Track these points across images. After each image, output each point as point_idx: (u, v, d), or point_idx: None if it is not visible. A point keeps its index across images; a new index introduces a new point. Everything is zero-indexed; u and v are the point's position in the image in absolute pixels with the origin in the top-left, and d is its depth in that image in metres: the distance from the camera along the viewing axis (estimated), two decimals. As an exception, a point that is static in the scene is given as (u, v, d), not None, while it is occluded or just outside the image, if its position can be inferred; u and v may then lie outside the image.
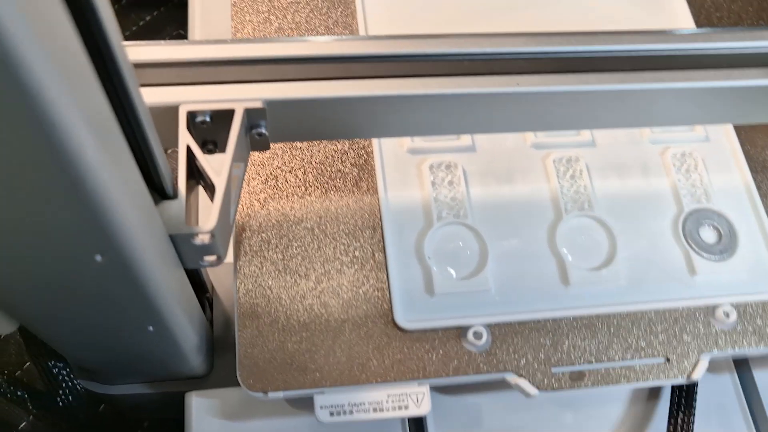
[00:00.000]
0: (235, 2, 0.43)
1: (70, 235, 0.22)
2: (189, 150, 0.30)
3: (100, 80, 0.21)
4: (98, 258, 0.22)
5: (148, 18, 0.55)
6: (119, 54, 0.22)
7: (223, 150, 0.31)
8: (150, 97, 0.31)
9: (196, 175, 0.31)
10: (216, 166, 0.30)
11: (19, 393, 0.40)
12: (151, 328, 0.30)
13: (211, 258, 0.31)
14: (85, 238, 0.22)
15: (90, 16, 0.20)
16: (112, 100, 0.22)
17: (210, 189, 0.31)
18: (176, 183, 0.29)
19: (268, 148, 0.34)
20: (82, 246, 0.22)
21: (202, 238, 0.29)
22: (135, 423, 0.44)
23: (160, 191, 0.29)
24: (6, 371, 0.42)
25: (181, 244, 0.29)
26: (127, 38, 0.55)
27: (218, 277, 0.40)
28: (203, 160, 0.30)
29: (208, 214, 0.29)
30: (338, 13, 0.44)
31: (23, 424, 0.40)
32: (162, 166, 0.28)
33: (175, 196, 0.29)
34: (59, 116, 0.17)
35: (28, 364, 0.42)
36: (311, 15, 0.44)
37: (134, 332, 0.30)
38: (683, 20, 0.47)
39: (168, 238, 0.28)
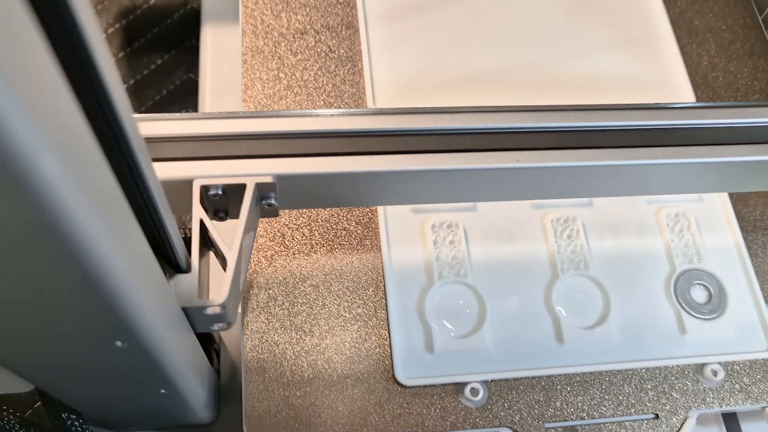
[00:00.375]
0: (245, 59, 0.45)
1: (90, 324, 0.23)
2: (202, 223, 0.32)
3: (109, 158, 0.20)
4: (119, 344, 0.24)
5: (159, 62, 0.57)
6: (130, 130, 0.22)
7: (234, 216, 0.33)
8: (164, 171, 0.32)
9: (207, 243, 0.33)
10: (227, 236, 0.32)
11: (31, 434, 0.42)
12: (163, 390, 0.31)
13: (222, 325, 0.32)
14: (104, 326, 0.23)
15: (99, 92, 0.20)
16: (121, 177, 0.22)
17: (222, 259, 0.32)
18: (189, 256, 0.31)
19: (277, 215, 0.35)
20: (103, 333, 0.24)
21: (214, 310, 0.30)
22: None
23: (173, 265, 0.30)
24: (18, 412, 0.43)
25: (194, 315, 0.30)
26: (137, 82, 0.56)
27: (226, 327, 0.42)
28: (215, 231, 0.32)
29: (219, 286, 0.31)
30: (345, 71, 0.46)
31: (36, 463, 0.42)
32: (175, 241, 0.29)
33: (188, 269, 0.30)
34: (62, 203, 0.17)
35: (39, 404, 0.43)
36: (319, 73, 0.45)
37: (148, 395, 0.32)
38: (679, 78, 0.49)
39: (181, 311, 0.29)
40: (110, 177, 0.21)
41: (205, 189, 0.32)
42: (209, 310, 0.30)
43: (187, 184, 0.32)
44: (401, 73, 0.46)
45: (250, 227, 0.33)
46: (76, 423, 0.36)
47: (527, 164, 0.34)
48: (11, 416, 0.43)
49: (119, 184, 0.22)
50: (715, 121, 0.36)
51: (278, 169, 0.33)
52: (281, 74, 0.45)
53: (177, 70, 0.57)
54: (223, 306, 0.30)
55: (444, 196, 0.36)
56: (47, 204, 0.17)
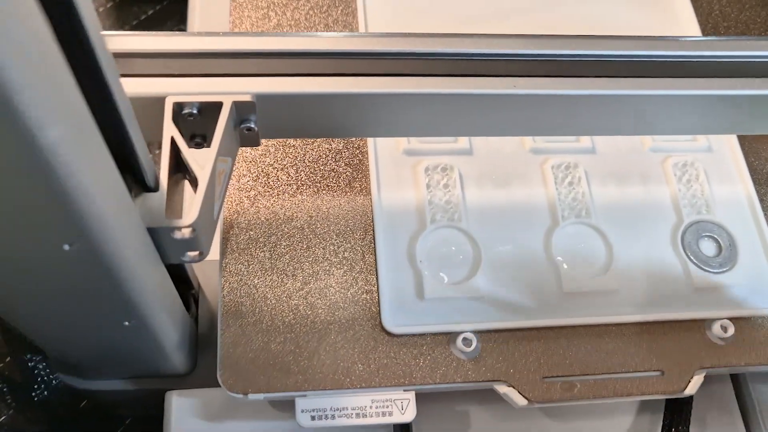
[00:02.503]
0: (233, -4, 0.43)
1: (37, 221, 0.21)
2: (174, 142, 0.29)
3: (73, 67, 0.20)
4: (66, 247, 0.22)
5: (150, 12, 0.55)
6: (95, 40, 0.21)
7: (210, 144, 0.30)
8: (135, 87, 0.30)
9: (182, 169, 0.31)
10: (201, 158, 0.30)
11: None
12: (127, 323, 0.29)
13: (194, 254, 0.30)
14: (52, 225, 0.21)
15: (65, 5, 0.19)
16: (86, 87, 0.21)
17: (193, 181, 0.30)
18: (159, 175, 0.28)
19: (258, 144, 0.33)
20: (50, 234, 0.22)
21: (183, 233, 0.28)
22: (117, 419, 0.43)
23: (141, 183, 0.28)
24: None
25: (161, 237, 0.28)
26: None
27: (205, 274, 0.40)
28: (188, 153, 0.30)
29: (189, 207, 0.28)
30: (339, 12, 0.44)
31: (2, 418, 0.39)
32: (143, 158, 0.27)
33: (156, 188, 0.28)
34: (20, 97, 0.16)
35: (9, 359, 0.41)
36: (311, 12, 0.43)
37: (110, 327, 0.29)
38: (690, 29, 0.46)
39: (146, 231, 0.27)
40: (73, 85, 0.20)
41: (178, 107, 0.30)
42: (177, 234, 0.28)
43: (159, 101, 0.30)
44: (396, 15, 0.44)
45: (227, 151, 0.31)
46: (40, 366, 0.34)
47: (524, 90, 0.32)
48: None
49: (82, 94, 0.20)
50: (727, 53, 0.34)
51: (258, 88, 0.31)
52: (271, 13, 0.43)
53: (168, 21, 0.55)
54: (193, 229, 0.28)
55: (436, 127, 0.34)
56: (8, 113, 0.16)
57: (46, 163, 0.18)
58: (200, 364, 0.38)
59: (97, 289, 0.26)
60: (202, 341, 0.38)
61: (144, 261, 0.27)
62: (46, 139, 0.18)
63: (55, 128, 0.18)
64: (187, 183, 0.31)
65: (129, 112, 0.25)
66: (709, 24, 0.46)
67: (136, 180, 0.28)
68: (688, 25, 0.46)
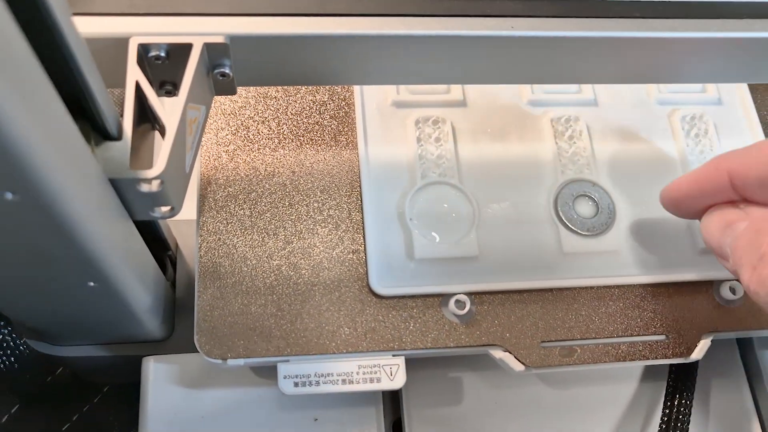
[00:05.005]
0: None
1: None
2: (138, 87, 0.27)
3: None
4: (8, 196, 0.19)
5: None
6: None
7: (179, 91, 0.28)
8: (95, 27, 0.27)
9: (150, 119, 0.28)
10: (170, 107, 0.27)
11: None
12: (91, 283, 0.27)
13: (164, 209, 0.28)
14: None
15: None
16: (28, 26, 0.19)
17: (163, 132, 0.27)
18: (122, 124, 0.26)
19: (234, 92, 0.30)
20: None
21: (151, 185, 0.26)
22: (94, 388, 0.41)
23: (102, 132, 0.25)
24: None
25: (126, 190, 0.26)
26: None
27: (183, 234, 0.37)
28: (155, 100, 0.27)
29: (156, 157, 0.26)
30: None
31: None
32: (102, 104, 0.24)
33: (119, 137, 0.26)
34: None
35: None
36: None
37: (73, 287, 0.27)
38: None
39: (108, 184, 0.25)
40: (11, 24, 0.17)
41: (144, 49, 0.27)
42: (144, 186, 0.26)
43: (123, 42, 0.27)
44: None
45: (199, 99, 0.29)
46: (4, 331, 0.32)
47: (523, 32, 0.29)
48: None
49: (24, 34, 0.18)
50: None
51: (232, 29, 0.28)
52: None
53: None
54: (161, 181, 0.26)
55: (425, 74, 0.31)
56: None
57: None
58: (178, 328, 0.36)
59: (52, 245, 0.23)
60: (180, 305, 0.36)
61: (105, 215, 0.25)
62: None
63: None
64: (156, 134, 0.29)
65: (85, 54, 0.23)
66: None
67: (96, 128, 0.25)
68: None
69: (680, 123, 0.39)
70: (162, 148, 0.26)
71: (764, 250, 0.26)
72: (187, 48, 0.28)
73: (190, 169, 0.29)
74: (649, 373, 0.38)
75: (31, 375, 0.35)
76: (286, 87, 0.37)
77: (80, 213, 0.22)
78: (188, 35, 0.28)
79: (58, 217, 0.21)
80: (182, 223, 0.37)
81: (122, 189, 0.26)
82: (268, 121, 0.36)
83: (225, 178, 0.35)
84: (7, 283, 0.27)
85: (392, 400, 0.37)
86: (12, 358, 0.32)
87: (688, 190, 0.31)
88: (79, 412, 0.43)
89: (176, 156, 0.27)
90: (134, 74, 0.27)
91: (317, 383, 0.32)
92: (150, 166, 0.27)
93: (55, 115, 0.21)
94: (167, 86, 0.29)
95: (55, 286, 0.27)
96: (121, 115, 0.26)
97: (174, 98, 0.28)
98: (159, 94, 0.29)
